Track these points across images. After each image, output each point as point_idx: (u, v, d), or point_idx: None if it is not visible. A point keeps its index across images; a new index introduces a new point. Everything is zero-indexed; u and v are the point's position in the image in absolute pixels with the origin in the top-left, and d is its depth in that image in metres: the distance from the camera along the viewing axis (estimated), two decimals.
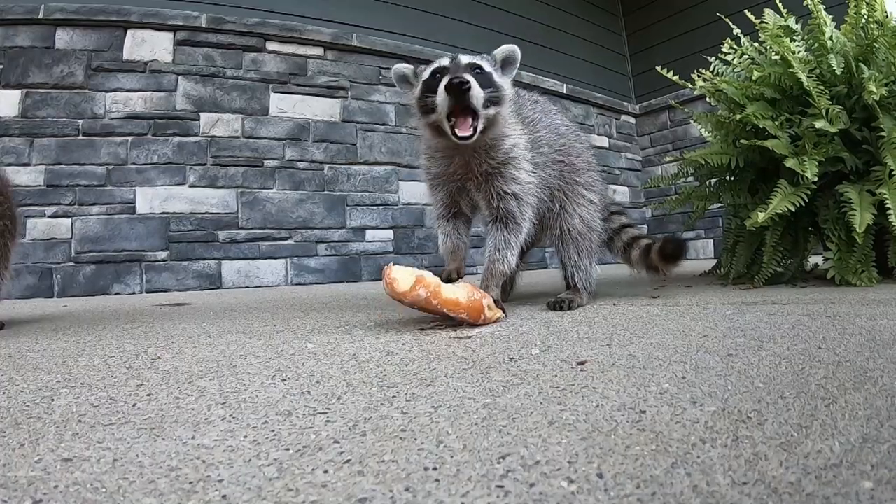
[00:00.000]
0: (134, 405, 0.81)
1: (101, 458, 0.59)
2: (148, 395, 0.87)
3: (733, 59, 2.60)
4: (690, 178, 2.85)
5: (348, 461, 0.56)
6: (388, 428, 0.66)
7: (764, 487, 0.47)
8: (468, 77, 1.53)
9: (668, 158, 4.09)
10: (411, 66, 1.78)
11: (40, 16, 3.73)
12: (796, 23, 2.48)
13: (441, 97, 1.55)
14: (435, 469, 0.54)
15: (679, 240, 2.13)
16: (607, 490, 0.48)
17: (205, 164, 4.09)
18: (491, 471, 0.53)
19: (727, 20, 2.83)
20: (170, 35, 4.07)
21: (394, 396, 0.81)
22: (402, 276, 1.39)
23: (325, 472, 0.54)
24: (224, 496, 0.49)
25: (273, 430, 0.67)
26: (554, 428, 0.64)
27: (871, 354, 0.93)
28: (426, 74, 1.67)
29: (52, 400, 0.85)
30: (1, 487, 0.52)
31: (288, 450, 0.60)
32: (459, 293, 1.44)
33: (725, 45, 2.65)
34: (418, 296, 1.38)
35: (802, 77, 2.11)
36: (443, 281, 1.48)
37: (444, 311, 1.42)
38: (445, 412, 0.72)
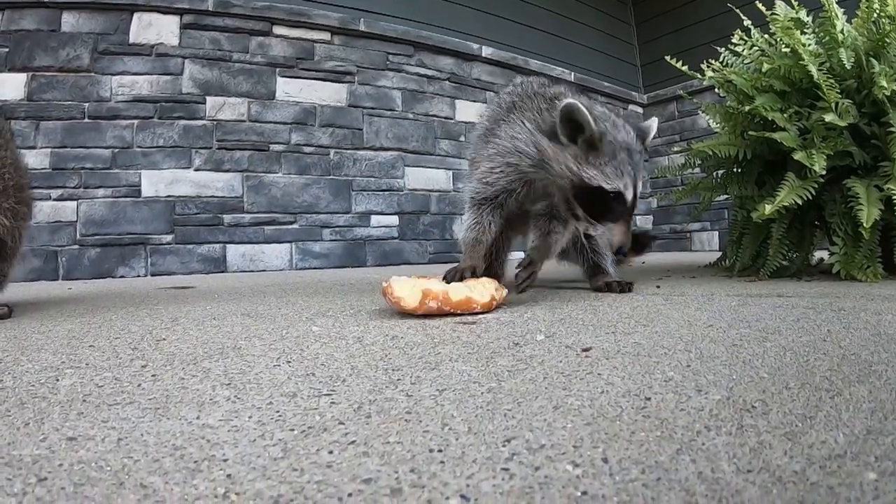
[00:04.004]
0: (139, 385, 0.81)
1: (106, 437, 0.60)
2: (153, 375, 0.87)
3: (743, 51, 2.57)
4: (697, 169, 2.83)
5: (353, 442, 0.56)
6: (393, 410, 0.67)
7: (768, 475, 0.47)
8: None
9: (675, 149, 4.07)
10: (588, 118, 1.46)
11: None
12: (807, 15, 2.45)
13: (599, 231, 1.61)
14: (440, 451, 0.54)
15: (646, 232, 2.16)
16: (612, 475, 0.48)
17: (210, 148, 4.08)
18: (496, 453, 0.53)
19: (738, 11, 2.80)
20: (176, 18, 4.05)
21: (399, 379, 0.81)
22: (407, 293, 1.39)
23: (330, 452, 0.54)
24: (229, 475, 0.49)
25: (278, 411, 0.67)
26: (559, 412, 0.64)
27: (876, 348, 0.93)
28: (605, 181, 1.49)
29: (57, 380, 0.85)
30: (6, 466, 0.52)
31: (293, 430, 0.60)
32: (466, 290, 1.44)
33: (735, 36, 2.63)
34: (430, 308, 1.39)
35: (812, 70, 2.09)
36: (448, 281, 1.51)
37: (459, 312, 1.43)
38: (450, 395, 0.72)
